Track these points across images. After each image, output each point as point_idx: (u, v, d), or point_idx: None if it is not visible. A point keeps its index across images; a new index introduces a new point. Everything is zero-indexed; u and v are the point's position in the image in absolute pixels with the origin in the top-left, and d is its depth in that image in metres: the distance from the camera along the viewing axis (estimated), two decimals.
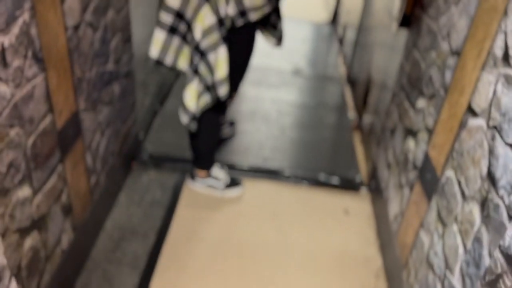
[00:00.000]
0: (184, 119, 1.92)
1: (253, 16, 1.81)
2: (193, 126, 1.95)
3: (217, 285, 1.77)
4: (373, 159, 2.32)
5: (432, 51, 1.62)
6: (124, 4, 1.90)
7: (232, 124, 2.62)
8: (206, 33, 1.74)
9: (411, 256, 1.60)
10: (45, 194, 1.39)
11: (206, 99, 1.89)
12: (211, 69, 1.80)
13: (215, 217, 2.09)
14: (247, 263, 1.87)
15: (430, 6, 1.69)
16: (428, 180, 1.51)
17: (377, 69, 2.53)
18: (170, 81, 2.98)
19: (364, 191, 2.34)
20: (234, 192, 2.21)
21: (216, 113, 2.03)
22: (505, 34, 1.09)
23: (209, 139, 2.10)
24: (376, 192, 2.19)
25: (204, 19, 1.73)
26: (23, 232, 1.29)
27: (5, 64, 1.11)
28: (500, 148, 1.06)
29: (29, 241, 1.33)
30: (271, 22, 2.01)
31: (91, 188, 1.77)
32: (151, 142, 2.46)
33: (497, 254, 0.97)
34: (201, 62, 1.80)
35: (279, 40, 2.09)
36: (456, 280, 1.22)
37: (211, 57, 1.78)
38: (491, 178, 1.09)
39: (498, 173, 1.06)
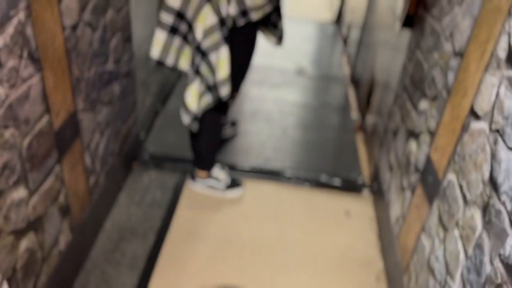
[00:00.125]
0: (186, 119, 1.90)
1: (255, 16, 1.79)
2: (195, 127, 1.94)
3: (217, 286, 1.75)
4: (376, 160, 2.29)
5: (435, 52, 1.60)
6: (124, 4, 1.89)
7: (233, 124, 2.60)
8: (207, 33, 1.72)
9: (412, 260, 1.58)
10: (41, 195, 1.38)
11: (208, 99, 1.87)
12: (212, 69, 1.79)
13: (215, 218, 2.07)
14: (247, 264, 1.85)
15: (433, 6, 1.66)
16: (430, 183, 1.49)
17: (381, 69, 2.50)
18: (172, 81, 2.96)
19: (366, 193, 2.31)
20: (234, 193, 2.19)
21: (218, 113, 2.01)
22: (509, 35, 1.06)
23: (210, 139, 2.09)
24: (378, 194, 2.16)
25: (205, 19, 1.71)
26: (19, 233, 1.28)
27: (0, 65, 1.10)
28: (503, 152, 1.03)
29: (25, 243, 1.32)
30: (271, 21, 1.99)
31: (90, 189, 1.76)
32: (152, 142, 2.45)
33: (497, 263, 0.95)
34: (203, 62, 1.79)
35: (279, 39, 2.07)
36: (456, 286, 1.19)
37: (212, 57, 1.76)
38: (493, 183, 1.06)
39: (500, 178, 1.03)
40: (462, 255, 1.19)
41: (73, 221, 1.64)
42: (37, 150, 1.33)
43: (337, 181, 2.34)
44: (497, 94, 1.08)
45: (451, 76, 1.42)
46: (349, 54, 3.74)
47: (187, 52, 1.84)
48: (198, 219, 2.05)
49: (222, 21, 1.72)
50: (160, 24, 1.76)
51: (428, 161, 1.52)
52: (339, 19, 4.61)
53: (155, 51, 1.80)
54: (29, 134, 1.28)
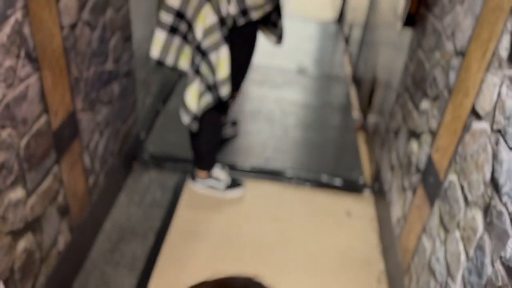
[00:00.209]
0: (185, 119, 1.89)
1: (255, 15, 1.78)
2: (194, 126, 1.93)
3: None
4: (377, 160, 2.28)
5: (436, 51, 1.58)
6: (124, 3, 1.88)
7: (234, 124, 2.59)
8: (207, 32, 1.71)
9: (413, 262, 1.56)
10: (39, 196, 1.38)
11: (208, 99, 1.86)
12: (212, 69, 1.78)
13: (215, 218, 2.06)
14: (247, 264, 1.84)
15: (435, 5, 1.65)
16: (431, 183, 1.48)
17: (382, 68, 2.49)
18: (172, 80, 2.95)
19: (367, 193, 2.30)
20: (235, 193, 2.18)
21: (218, 113, 2.00)
22: (511, 34, 1.05)
23: (210, 139, 2.07)
24: (379, 194, 2.15)
25: (205, 19, 1.70)
26: (16, 234, 1.27)
27: None
28: (504, 153, 1.02)
29: (23, 243, 1.31)
30: (271, 20, 1.97)
31: (90, 189, 1.76)
32: (153, 142, 2.44)
33: (498, 266, 0.94)
34: (203, 62, 1.77)
35: (279, 38, 2.06)
36: None
37: (212, 57, 1.75)
38: (494, 184, 1.05)
39: (501, 179, 1.02)
40: (463, 257, 1.17)
41: (72, 222, 1.63)
42: (35, 150, 1.32)
43: (338, 181, 2.32)
44: (499, 94, 1.07)
45: (452, 76, 1.40)
46: (350, 54, 3.72)
47: (187, 52, 1.83)
48: (198, 219, 2.04)
49: (222, 21, 1.71)
50: (159, 23, 1.75)
51: (429, 161, 1.51)
52: (341, 18, 4.59)
53: (155, 51, 1.79)
54: (26, 134, 1.27)
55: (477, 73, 1.20)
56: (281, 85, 3.23)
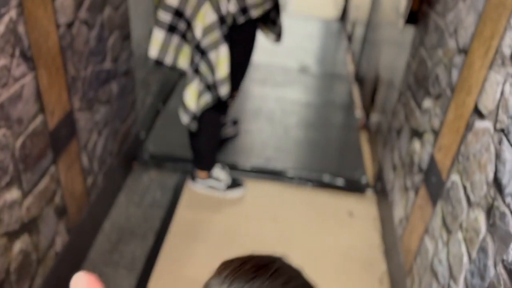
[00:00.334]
0: (185, 119, 1.88)
1: (254, 13, 1.76)
2: (194, 126, 1.91)
3: None
4: (380, 160, 2.25)
5: (439, 49, 1.56)
6: (122, 1, 1.86)
7: (235, 123, 2.57)
8: (206, 31, 1.69)
9: (415, 263, 1.54)
10: (36, 196, 1.36)
11: (207, 98, 1.84)
12: (212, 68, 1.76)
13: (215, 219, 2.04)
14: None
15: (437, 2, 1.62)
16: (433, 183, 1.45)
17: (385, 67, 2.46)
18: (173, 79, 2.93)
19: (369, 193, 2.27)
20: (235, 193, 2.16)
21: (217, 113, 1.98)
22: None
23: (209, 139, 2.05)
24: (382, 194, 2.12)
25: (205, 17, 1.68)
26: (12, 235, 1.26)
27: None
28: (507, 152, 0.99)
29: (19, 245, 1.29)
30: (270, 18, 1.95)
31: (88, 189, 1.74)
32: (153, 142, 2.42)
33: (500, 270, 0.91)
34: (202, 61, 1.76)
35: (278, 36, 2.03)
36: None
37: (212, 56, 1.73)
38: (497, 184, 1.02)
39: (505, 179, 0.99)
40: (465, 259, 1.15)
41: (70, 222, 1.61)
42: (31, 150, 1.30)
43: (340, 181, 2.30)
44: (502, 92, 1.04)
45: (455, 74, 1.38)
46: (353, 52, 3.69)
47: (186, 51, 1.81)
48: (198, 220, 2.02)
49: (222, 19, 1.69)
50: (157, 22, 1.73)
51: (432, 161, 1.48)
52: (343, 16, 4.56)
53: (153, 51, 1.77)
54: (22, 134, 1.25)
55: (480, 71, 1.18)
56: (282, 83, 3.21)
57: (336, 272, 1.85)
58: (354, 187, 2.29)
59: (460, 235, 1.20)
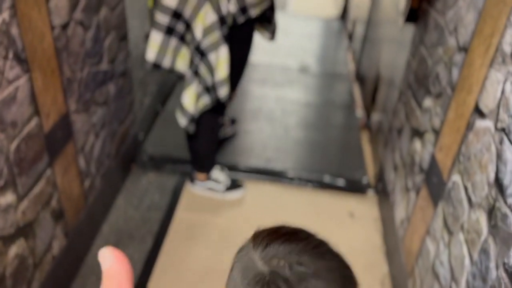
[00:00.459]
0: (183, 121, 1.85)
1: (253, 12, 1.74)
2: (192, 129, 1.89)
3: None
4: (381, 159, 2.23)
5: (439, 47, 1.53)
6: (118, 1, 1.85)
7: (233, 122, 2.55)
8: (207, 32, 1.67)
9: (417, 264, 1.52)
10: (31, 200, 1.34)
11: (205, 100, 1.82)
12: (211, 70, 1.74)
13: (215, 221, 2.02)
14: None
15: None
16: (434, 184, 1.43)
17: (385, 65, 2.44)
18: (171, 80, 2.91)
19: (371, 193, 2.25)
20: (235, 194, 2.14)
21: (215, 114, 1.96)
22: None
23: (208, 141, 2.03)
24: (383, 194, 2.10)
25: (205, 18, 1.66)
26: (7, 240, 1.24)
27: None
28: (509, 152, 0.97)
29: (14, 249, 1.28)
30: (266, 16, 1.93)
31: (85, 192, 1.72)
32: (152, 143, 2.40)
33: (502, 273, 0.89)
34: (201, 63, 1.73)
35: (272, 34, 2.00)
36: None
37: (211, 57, 1.71)
38: (498, 185, 1.00)
39: (506, 179, 0.97)
40: (467, 260, 1.13)
41: (67, 225, 1.60)
42: (25, 153, 1.29)
43: (341, 182, 2.28)
44: (503, 91, 1.02)
45: (455, 72, 1.36)
46: (354, 51, 3.67)
47: (184, 53, 1.78)
48: (197, 222, 2.00)
49: (222, 20, 1.67)
50: (155, 25, 1.71)
51: (433, 161, 1.46)
52: (344, 14, 4.54)
53: (151, 54, 1.74)
54: (17, 138, 1.24)
55: (480, 69, 1.16)
56: (282, 83, 3.19)
57: None
58: (355, 187, 2.27)
59: (461, 237, 1.18)
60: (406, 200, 1.72)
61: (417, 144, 1.66)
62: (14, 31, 1.18)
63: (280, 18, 2.29)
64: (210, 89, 1.79)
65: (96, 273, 1.73)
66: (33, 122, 1.31)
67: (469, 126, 1.20)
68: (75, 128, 1.58)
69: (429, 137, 1.54)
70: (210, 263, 1.81)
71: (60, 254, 1.56)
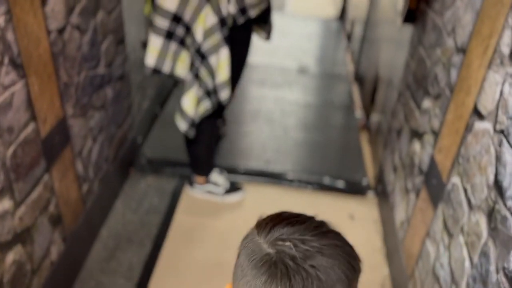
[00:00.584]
0: (182, 125, 1.84)
1: (253, 13, 1.74)
2: (191, 133, 1.88)
3: None
4: (380, 161, 2.22)
5: (437, 48, 1.53)
6: (116, 5, 1.84)
7: (224, 122, 2.52)
8: (207, 34, 1.67)
9: (417, 267, 1.51)
10: (29, 206, 1.34)
11: (207, 105, 1.81)
12: (212, 73, 1.73)
13: (214, 224, 2.01)
14: None
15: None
16: (434, 186, 1.42)
17: (384, 66, 2.43)
18: (170, 83, 2.90)
19: (370, 195, 2.24)
20: (234, 197, 2.13)
21: (214, 117, 1.96)
22: None
23: (207, 144, 2.03)
24: (383, 196, 2.09)
25: (206, 20, 1.65)
26: (4, 246, 1.23)
27: None
28: (508, 154, 0.96)
29: (12, 256, 1.27)
30: (262, 16, 1.92)
31: (83, 196, 1.72)
32: (150, 147, 2.40)
33: (501, 278, 0.88)
34: (202, 66, 1.72)
35: (268, 34, 2.00)
36: None
37: (212, 59, 1.70)
38: (498, 187, 0.99)
39: (505, 182, 0.96)
40: (467, 263, 1.12)
41: (66, 230, 1.59)
42: (22, 159, 1.28)
43: (340, 184, 2.27)
44: (501, 92, 1.01)
45: (454, 73, 1.35)
46: (353, 51, 3.67)
47: (184, 57, 1.77)
48: (196, 226, 1.99)
49: (222, 21, 1.67)
50: (154, 29, 1.69)
51: (432, 162, 1.46)
52: (342, 15, 4.53)
53: (151, 59, 1.73)
54: (13, 143, 1.23)
55: (479, 70, 1.15)
56: (281, 84, 3.18)
57: None
58: (354, 189, 2.26)
59: (461, 239, 1.17)
60: (406, 201, 1.71)
61: (417, 145, 1.65)
62: (10, 36, 1.17)
63: (278, 18, 2.29)
64: (211, 92, 1.78)
65: (95, 278, 1.72)
66: (30, 128, 1.31)
67: (468, 128, 1.20)
68: (73, 132, 1.57)
69: (428, 138, 1.53)
70: (210, 267, 1.80)
71: (59, 259, 1.55)
